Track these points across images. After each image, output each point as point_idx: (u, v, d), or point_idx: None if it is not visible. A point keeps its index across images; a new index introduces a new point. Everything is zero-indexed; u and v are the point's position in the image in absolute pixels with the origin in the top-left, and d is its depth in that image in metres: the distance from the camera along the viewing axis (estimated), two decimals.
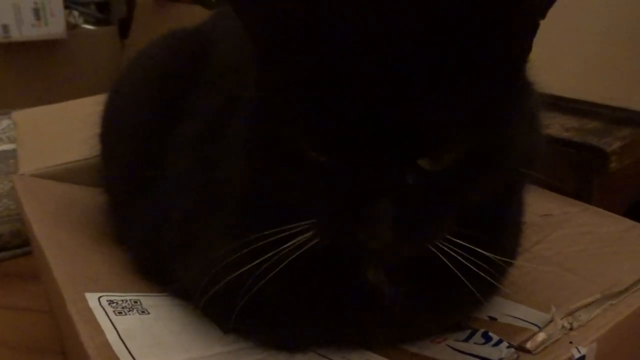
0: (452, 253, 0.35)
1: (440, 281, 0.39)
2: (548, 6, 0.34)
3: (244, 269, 0.38)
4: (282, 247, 0.36)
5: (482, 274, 0.37)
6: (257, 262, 0.37)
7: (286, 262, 0.36)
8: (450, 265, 0.35)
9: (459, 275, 0.36)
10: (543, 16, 0.34)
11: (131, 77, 0.62)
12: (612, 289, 0.48)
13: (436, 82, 0.31)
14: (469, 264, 0.36)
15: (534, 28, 0.35)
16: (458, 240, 0.35)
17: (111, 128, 0.62)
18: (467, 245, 0.36)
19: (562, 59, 0.73)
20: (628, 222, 0.59)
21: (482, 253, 0.37)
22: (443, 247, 0.35)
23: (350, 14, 0.32)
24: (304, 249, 0.36)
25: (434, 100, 0.31)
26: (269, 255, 0.36)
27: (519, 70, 0.36)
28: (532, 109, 0.39)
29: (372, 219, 0.32)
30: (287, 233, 0.36)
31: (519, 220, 0.47)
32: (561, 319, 0.44)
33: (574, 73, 0.72)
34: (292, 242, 0.36)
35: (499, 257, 0.38)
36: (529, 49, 0.36)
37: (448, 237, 0.35)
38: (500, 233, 0.42)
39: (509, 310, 0.47)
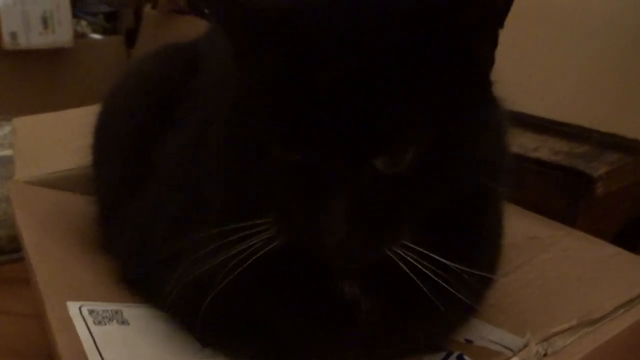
0: (418, 265, 0.35)
1: (416, 298, 0.39)
2: (504, 15, 0.35)
3: (211, 264, 0.38)
4: (245, 245, 0.37)
5: (455, 292, 0.38)
6: (222, 258, 0.38)
7: (252, 263, 0.37)
8: (414, 277, 0.36)
9: (426, 290, 0.36)
10: (501, 25, 0.36)
11: (122, 89, 0.63)
12: (589, 315, 0.48)
13: (393, 84, 0.33)
14: (437, 279, 0.36)
15: (494, 38, 0.37)
16: (425, 252, 0.35)
17: (102, 138, 0.63)
18: (436, 257, 0.36)
19: (553, 83, 0.73)
20: (612, 248, 0.59)
21: (455, 270, 0.37)
22: (407, 257, 0.35)
23: (318, 17, 0.34)
24: (267, 249, 0.36)
25: (389, 101, 0.32)
26: (233, 253, 0.37)
27: (480, 80, 0.37)
28: (496, 123, 0.39)
29: (325, 214, 0.33)
30: (250, 231, 0.37)
31: (497, 241, 0.47)
32: (536, 344, 0.44)
33: (564, 97, 0.72)
34: (255, 239, 0.36)
35: (469, 271, 0.38)
36: (491, 59, 0.37)
37: (417, 249, 0.36)
38: (474, 252, 0.42)
39: (485, 333, 0.47)
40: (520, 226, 0.62)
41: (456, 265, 0.37)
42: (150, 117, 0.57)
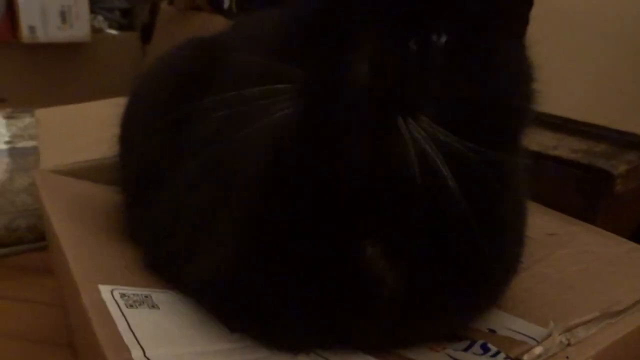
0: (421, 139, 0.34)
1: (442, 270, 0.41)
2: None
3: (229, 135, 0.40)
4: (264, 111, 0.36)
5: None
6: (240, 127, 0.39)
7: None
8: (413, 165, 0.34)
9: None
10: None
11: (149, 81, 0.65)
12: (611, 308, 0.48)
13: None
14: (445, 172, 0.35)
15: None
16: (445, 133, 0.34)
17: (129, 129, 0.65)
18: (456, 144, 0.34)
19: (571, 82, 0.74)
20: (630, 244, 0.60)
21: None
22: (426, 141, 0.34)
23: None
24: (289, 118, 0.36)
25: None
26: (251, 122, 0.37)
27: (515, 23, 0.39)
28: (527, 70, 0.40)
29: (353, 56, 0.33)
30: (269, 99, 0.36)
31: (522, 229, 0.48)
32: (559, 334, 0.45)
33: (583, 96, 0.73)
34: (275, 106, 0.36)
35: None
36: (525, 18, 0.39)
37: (438, 131, 0.34)
38: (502, 235, 0.43)
39: (507, 323, 0.48)
40: (539, 223, 0.63)
41: (463, 142, 0.34)
42: (177, 108, 0.58)
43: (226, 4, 1.40)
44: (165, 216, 0.55)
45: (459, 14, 0.35)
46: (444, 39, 0.35)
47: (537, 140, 0.70)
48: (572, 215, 0.65)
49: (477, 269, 0.42)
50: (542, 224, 0.63)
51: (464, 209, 0.35)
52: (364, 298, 0.42)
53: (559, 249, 0.60)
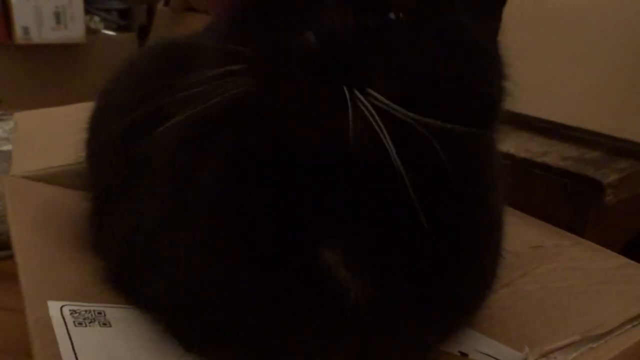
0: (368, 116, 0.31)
1: (410, 281, 0.37)
2: None
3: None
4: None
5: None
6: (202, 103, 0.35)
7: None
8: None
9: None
10: None
11: (116, 84, 0.62)
12: (593, 330, 0.45)
13: None
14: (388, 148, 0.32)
15: None
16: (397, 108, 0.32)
17: (95, 133, 0.62)
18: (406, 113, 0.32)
19: (563, 86, 0.70)
20: (621, 259, 0.56)
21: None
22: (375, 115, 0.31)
23: None
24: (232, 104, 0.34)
25: None
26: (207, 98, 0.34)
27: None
28: (496, 56, 0.38)
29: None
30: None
31: (498, 240, 0.44)
32: (535, 359, 0.42)
33: (575, 100, 0.69)
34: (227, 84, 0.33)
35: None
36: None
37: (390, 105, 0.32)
38: (476, 250, 0.41)
39: (481, 346, 0.45)
40: (525, 234, 0.60)
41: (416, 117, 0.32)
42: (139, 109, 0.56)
43: None
44: (125, 226, 0.53)
45: None
46: (401, 15, 0.33)
47: (526, 146, 0.66)
48: (559, 227, 0.61)
49: (448, 282, 0.39)
50: (527, 235, 0.59)
51: (414, 197, 0.32)
52: (324, 313, 0.39)
53: (544, 263, 0.56)
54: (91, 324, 0.47)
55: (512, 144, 0.66)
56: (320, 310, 0.39)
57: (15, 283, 0.92)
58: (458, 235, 0.38)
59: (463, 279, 0.41)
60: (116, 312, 0.49)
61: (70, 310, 0.47)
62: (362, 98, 0.31)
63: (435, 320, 0.41)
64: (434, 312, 0.40)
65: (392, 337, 0.41)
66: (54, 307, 0.47)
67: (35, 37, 1.59)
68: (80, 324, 0.46)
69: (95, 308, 0.49)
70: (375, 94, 0.31)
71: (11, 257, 0.97)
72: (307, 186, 0.37)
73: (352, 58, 0.31)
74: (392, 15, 0.33)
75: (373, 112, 0.31)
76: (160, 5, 1.78)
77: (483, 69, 0.36)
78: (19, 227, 0.60)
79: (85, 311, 0.48)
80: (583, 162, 0.62)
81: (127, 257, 0.51)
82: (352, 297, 0.38)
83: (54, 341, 0.42)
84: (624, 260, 0.57)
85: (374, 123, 0.31)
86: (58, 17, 1.61)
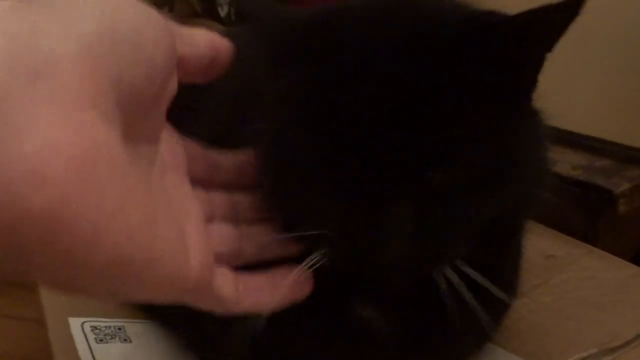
0: (453, 282, 0.34)
1: (434, 321, 0.38)
2: (554, 39, 0.33)
3: None
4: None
5: (477, 315, 0.36)
6: None
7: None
8: (444, 296, 0.34)
9: (451, 309, 0.35)
10: (549, 49, 0.34)
11: None
12: (610, 343, 0.45)
13: (441, 99, 0.32)
14: (465, 298, 0.34)
15: (540, 61, 0.35)
16: (464, 269, 0.34)
17: None
18: (471, 275, 0.34)
19: (573, 94, 0.71)
20: (634, 268, 0.57)
21: (482, 290, 0.36)
22: (450, 275, 0.34)
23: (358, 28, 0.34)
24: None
25: (440, 114, 0.32)
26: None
27: (524, 100, 0.36)
28: (537, 137, 0.38)
29: (390, 221, 0.31)
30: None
31: (517, 260, 0.45)
32: None
33: (586, 108, 0.69)
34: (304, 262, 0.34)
35: (495, 292, 0.36)
36: (534, 80, 0.36)
37: (458, 267, 0.34)
38: (499, 272, 0.41)
39: None
40: (537, 244, 0.60)
41: (490, 285, 0.35)
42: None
43: (223, 13, 1.39)
44: None
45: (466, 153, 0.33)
46: (461, 168, 0.33)
47: None
48: (573, 235, 0.61)
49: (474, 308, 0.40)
50: (540, 244, 0.60)
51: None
52: (354, 347, 0.40)
53: (557, 273, 0.56)
54: (112, 340, 0.47)
55: None
56: (350, 342, 0.40)
57: (19, 292, 0.93)
58: (489, 267, 0.37)
59: (486, 311, 0.40)
60: (135, 327, 0.49)
61: (91, 326, 0.48)
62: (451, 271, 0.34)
63: (453, 351, 0.42)
64: (452, 345, 0.41)
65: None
66: (75, 323, 0.47)
67: None
68: (101, 340, 0.46)
69: (115, 324, 0.49)
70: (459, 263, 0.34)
71: None
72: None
73: (443, 244, 0.33)
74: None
75: (458, 280, 0.34)
76: (164, 12, 1.78)
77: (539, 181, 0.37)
78: None
79: (106, 327, 0.48)
80: (594, 170, 0.62)
81: None
82: (381, 329, 0.39)
83: (77, 359, 0.43)
84: (636, 269, 0.57)
85: (457, 287, 0.34)
86: None
